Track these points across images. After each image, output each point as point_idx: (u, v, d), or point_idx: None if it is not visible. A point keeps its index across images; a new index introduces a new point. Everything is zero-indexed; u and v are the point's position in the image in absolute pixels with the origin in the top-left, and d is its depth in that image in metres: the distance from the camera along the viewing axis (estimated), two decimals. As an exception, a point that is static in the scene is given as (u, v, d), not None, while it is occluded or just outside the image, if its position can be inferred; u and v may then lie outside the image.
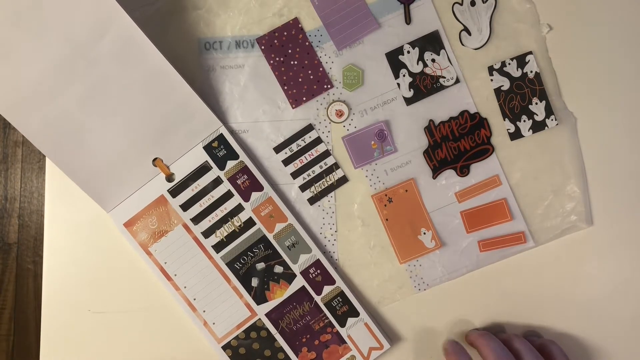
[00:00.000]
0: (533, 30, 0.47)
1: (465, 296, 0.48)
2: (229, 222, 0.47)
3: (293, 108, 0.47)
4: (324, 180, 0.47)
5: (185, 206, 0.46)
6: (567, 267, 0.48)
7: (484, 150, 0.47)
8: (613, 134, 0.47)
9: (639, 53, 0.47)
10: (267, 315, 0.47)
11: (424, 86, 0.47)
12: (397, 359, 0.48)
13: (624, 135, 0.48)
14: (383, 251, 0.48)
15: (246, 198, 0.46)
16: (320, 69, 0.47)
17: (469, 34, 0.47)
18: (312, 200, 0.47)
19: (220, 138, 0.46)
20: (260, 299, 0.47)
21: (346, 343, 0.47)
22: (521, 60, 0.47)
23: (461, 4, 0.47)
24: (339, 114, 0.47)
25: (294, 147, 0.47)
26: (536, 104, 0.47)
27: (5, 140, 1.13)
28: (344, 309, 0.47)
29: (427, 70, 0.47)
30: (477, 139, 0.47)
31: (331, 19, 0.47)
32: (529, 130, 0.47)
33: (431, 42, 0.47)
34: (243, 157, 0.46)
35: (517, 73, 0.47)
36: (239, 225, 0.47)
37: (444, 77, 0.47)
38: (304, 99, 0.47)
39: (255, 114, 0.47)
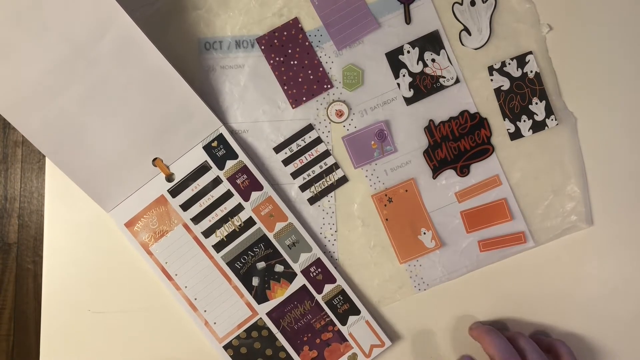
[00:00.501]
0: (533, 30, 0.47)
1: (465, 296, 0.48)
2: (229, 222, 0.47)
3: (293, 108, 0.47)
4: (324, 180, 0.47)
5: (185, 206, 0.46)
6: (567, 267, 0.48)
7: (484, 150, 0.47)
8: (613, 134, 0.47)
9: (639, 53, 0.47)
10: (268, 314, 0.47)
11: (424, 86, 0.47)
12: (398, 358, 0.48)
13: (624, 135, 0.48)
14: (383, 251, 0.48)
15: (246, 197, 0.46)
16: (320, 69, 0.47)
17: (469, 34, 0.47)
18: (312, 200, 0.47)
19: (220, 138, 0.46)
20: (261, 298, 0.47)
21: (347, 341, 0.47)
22: (521, 60, 0.47)
23: (461, 4, 0.47)
24: (339, 114, 0.47)
25: (294, 147, 0.47)
26: (536, 104, 0.47)
27: (5, 140, 1.13)
28: (345, 307, 0.47)
29: (427, 70, 0.47)
30: (477, 139, 0.47)
31: (331, 18, 0.47)
32: (529, 130, 0.47)
33: (431, 42, 0.47)
34: (242, 156, 0.46)
35: (517, 73, 0.47)
36: (239, 225, 0.47)
37: (444, 77, 0.47)
38: (304, 99, 0.47)
39: (255, 114, 0.47)
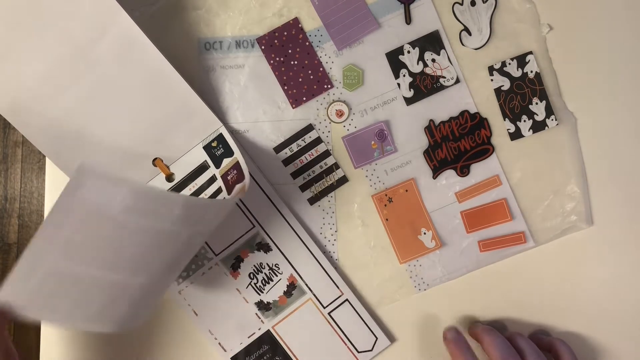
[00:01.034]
0: (533, 30, 0.47)
1: (465, 296, 0.48)
2: None
3: (293, 108, 0.47)
4: (324, 180, 0.47)
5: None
6: (567, 267, 0.48)
7: (484, 150, 0.47)
8: (613, 134, 0.47)
9: (639, 53, 0.47)
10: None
11: (424, 86, 0.47)
12: (398, 358, 0.48)
13: (624, 135, 0.48)
14: (383, 251, 0.48)
15: (230, 192, 0.46)
16: (320, 69, 0.47)
17: (469, 34, 0.47)
18: (312, 200, 0.47)
19: (220, 138, 0.46)
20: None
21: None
22: (521, 60, 0.47)
23: (461, 4, 0.47)
24: (339, 114, 0.47)
25: (294, 147, 0.47)
26: (536, 104, 0.47)
27: (5, 140, 1.13)
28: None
29: (427, 70, 0.47)
30: (477, 139, 0.47)
31: (331, 19, 0.47)
32: (529, 130, 0.47)
33: (431, 42, 0.47)
34: (237, 153, 0.46)
35: (517, 73, 0.47)
36: None
37: (444, 77, 0.47)
38: (304, 99, 0.47)
39: (255, 114, 0.47)
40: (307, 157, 0.47)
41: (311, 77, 0.47)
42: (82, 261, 0.33)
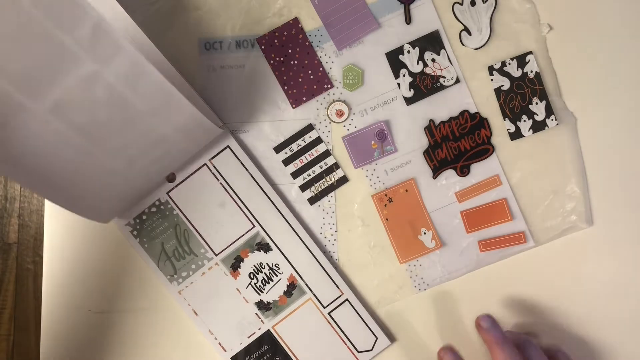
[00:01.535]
0: (533, 30, 0.47)
1: (465, 296, 0.48)
2: None
3: (293, 108, 0.47)
4: (324, 180, 0.47)
5: (186, 206, 0.47)
6: (567, 267, 0.48)
7: (484, 150, 0.47)
8: (613, 134, 0.47)
9: (639, 53, 0.47)
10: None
11: (424, 86, 0.47)
12: (398, 358, 0.48)
13: (624, 135, 0.48)
14: (383, 251, 0.48)
15: None
16: (320, 69, 0.47)
17: (469, 33, 0.47)
18: (312, 200, 0.47)
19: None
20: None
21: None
22: (521, 60, 0.47)
23: (461, 4, 0.47)
24: (339, 113, 0.47)
25: (294, 147, 0.47)
26: (536, 103, 0.47)
27: (5, 140, 1.13)
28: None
29: (427, 70, 0.47)
30: (477, 139, 0.47)
31: (331, 19, 0.47)
32: (529, 130, 0.47)
33: (431, 42, 0.47)
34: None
35: (517, 73, 0.47)
36: None
37: (444, 77, 0.47)
38: (304, 99, 0.47)
39: (255, 114, 0.47)
40: (307, 157, 0.47)
41: (311, 77, 0.47)
42: None
